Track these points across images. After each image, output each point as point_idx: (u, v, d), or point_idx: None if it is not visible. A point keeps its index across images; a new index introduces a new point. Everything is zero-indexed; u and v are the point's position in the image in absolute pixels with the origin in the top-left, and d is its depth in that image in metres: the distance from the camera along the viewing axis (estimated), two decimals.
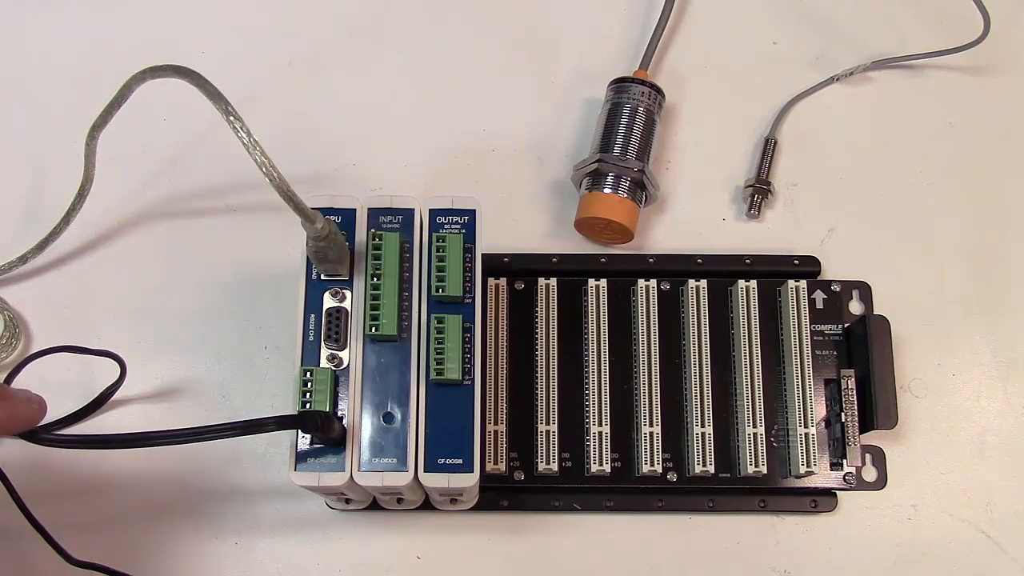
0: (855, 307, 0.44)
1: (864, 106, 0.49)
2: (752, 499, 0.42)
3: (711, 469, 0.41)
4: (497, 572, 0.42)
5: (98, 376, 0.43)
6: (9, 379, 0.31)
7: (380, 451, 0.34)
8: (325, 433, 0.33)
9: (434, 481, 0.34)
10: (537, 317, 0.43)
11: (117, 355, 0.42)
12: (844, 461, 0.41)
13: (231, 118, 0.29)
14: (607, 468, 0.40)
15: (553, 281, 0.43)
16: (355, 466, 0.33)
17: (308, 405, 0.34)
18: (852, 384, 0.42)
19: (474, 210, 0.37)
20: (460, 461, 0.34)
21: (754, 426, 0.41)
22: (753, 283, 0.43)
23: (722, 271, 0.44)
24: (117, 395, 0.42)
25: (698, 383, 0.42)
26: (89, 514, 0.42)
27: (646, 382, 0.42)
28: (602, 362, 0.42)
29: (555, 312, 0.43)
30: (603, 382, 0.42)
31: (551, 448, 0.41)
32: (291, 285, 0.36)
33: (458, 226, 0.36)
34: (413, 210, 0.36)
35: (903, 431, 0.43)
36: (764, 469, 0.41)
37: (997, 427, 0.44)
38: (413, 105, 0.49)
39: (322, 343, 0.35)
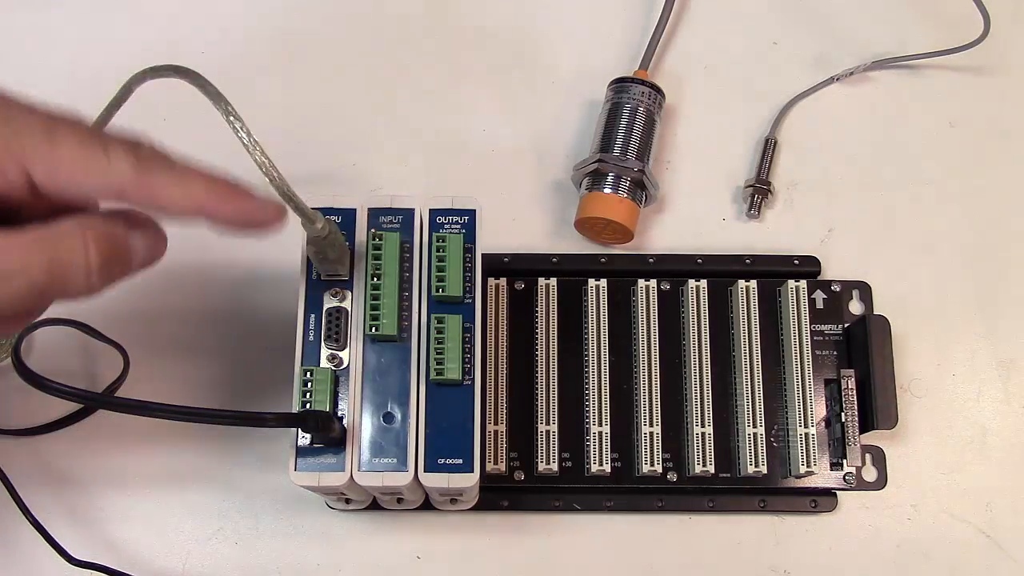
0: (855, 307, 0.44)
1: (864, 106, 0.49)
2: (752, 499, 0.42)
3: (711, 469, 0.41)
4: (497, 572, 0.42)
5: (100, 373, 0.43)
6: (17, 346, 0.31)
7: (380, 451, 0.34)
8: (325, 433, 0.33)
9: (434, 481, 0.34)
10: (537, 317, 0.43)
11: (120, 345, 0.42)
12: (844, 461, 0.41)
13: (231, 118, 0.29)
14: (607, 468, 0.40)
15: (553, 281, 0.43)
16: (355, 466, 0.33)
17: (308, 405, 0.34)
18: (852, 384, 0.42)
19: (474, 210, 0.37)
20: (460, 461, 0.34)
21: (754, 426, 0.41)
22: (753, 283, 0.43)
23: (722, 271, 0.44)
24: (117, 394, 0.42)
25: (698, 383, 0.42)
26: (89, 514, 0.42)
27: (646, 382, 0.42)
28: (602, 362, 0.42)
29: (555, 312, 0.43)
30: (603, 382, 0.42)
31: (551, 448, 0.41)
32: (291, 285, 0.36)
33: (458, 226, 0.36)
34: (413, 210, 0.36)
35: (903, 431, 0.43)
36: (764, 469, 0.41)
37: (997, 427, 0.44)
38: (413, 105, 0.49)
39: (322, 343, 0.35)
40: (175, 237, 0.46)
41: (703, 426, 0.41)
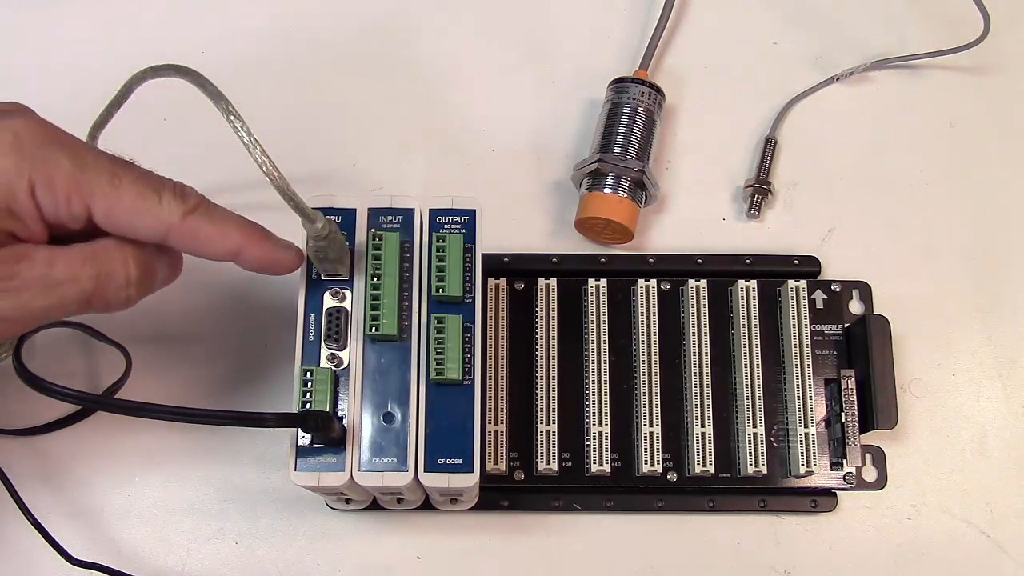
0: (855, 307, 0.44)
1: (864, 106, 0.49)
2: (752, 499, 0.42)
3: (711, 469, 0.41)
4: (497, 572, 0.42)
5: (102, 373, 0.43)
6: (18, 347, 0.32)
7: (380, 451, 0.34)
8: (325, 433, 0.33)
9: (434, 481, 0.34)
10: (537, 317, 0.43)
11: (122, 345, 0.42)
12: (844, 461, 0.41)
13: (231, 118, 0.29)
14: (607, 468, 0.40)
15: (553, 281, 0.43)
16: (355, 466, 0.33)
17: (308, 405, 0.34)
18: (852, 384, 0.42)
19: (474, 210, 0.37)
20: (460, 461, 0.34)
21: (754, 426, 0.41)
22: (753, 283, 0.43)
23: (722, 271, 0.44)
24: (118, 395, 0.42)
25: (698, 383, 0.42)
26: (89, 514, 0.42)
27: (646, 382, 0.42)
28: (602, 362, 0.42)
29: (555, 312, 0.43)
30: (603, 382, 0.42)
31: (551, 448, 0.41)
32: (291, 285, 0.36)
33: (458, 226, 0.36)
34: (413, 210, 0.36)
35: (903, 431, 0.43)
36: (764, 469, 0.41)
37: (997, 427, 0.44)
38: (413, 105, 0.49)
39: (322, 343, 0.35)
40: None
41: (703, 426, 0.41)
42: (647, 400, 0.41)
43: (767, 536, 0.42)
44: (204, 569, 0.42)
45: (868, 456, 0.42)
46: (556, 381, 0.42)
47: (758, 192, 0.46)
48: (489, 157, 0.48)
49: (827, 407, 0.42)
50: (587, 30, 0.51)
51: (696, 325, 0.43)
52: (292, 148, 0.47)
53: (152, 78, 0.32)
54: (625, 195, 0.44)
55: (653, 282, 0.43)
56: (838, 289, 0.44)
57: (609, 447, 0.41)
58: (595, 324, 0.42)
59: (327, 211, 0.36)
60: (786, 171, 0.48)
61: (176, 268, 0.34)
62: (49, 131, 0.31)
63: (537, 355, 0.42)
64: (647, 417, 0.41)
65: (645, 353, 0.42)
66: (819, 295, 0.44)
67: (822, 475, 0.42)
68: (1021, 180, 0.48)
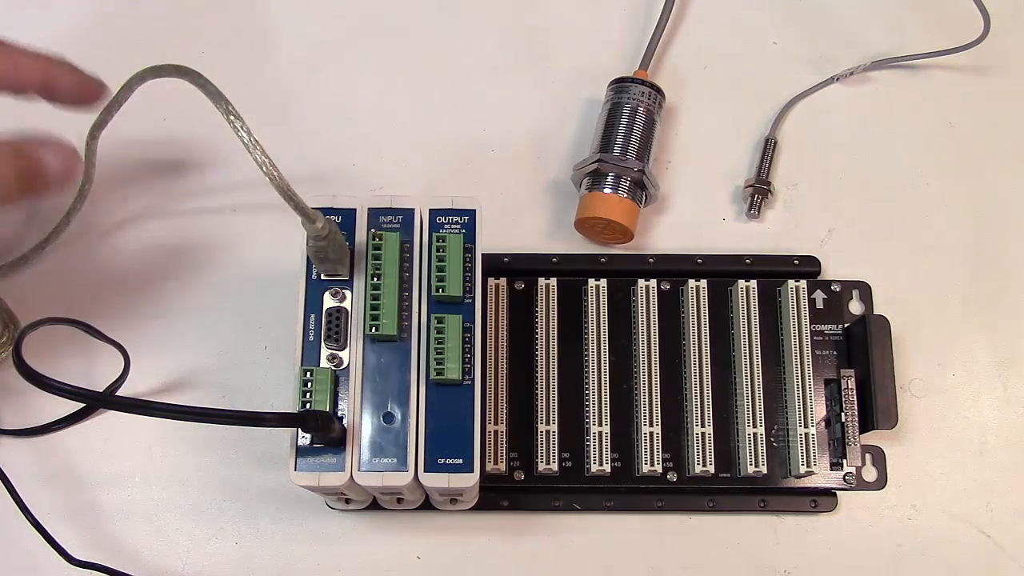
0: (855, 307, 0.44)
1: (864, 106, 0.49)
2: (752, 499, 0.42)
3: (711, 469, 0.41)
4: (497, 572, 0.42)
5: (100, 373, 0.43)
6: (18, 344, 0.32)
7: (380, 451, 0.34)
8: (325, 433, 0.33)
9: (434, 481, 0.34)
10: (537, 317, 0.43)
11: (121, 345, 0.42)
12: (844, 461, 0.41)
13: (231, 118, 0.29)
14: (607, 468, 0.40)
15: (553, 281, 0.43)
16: (355, 466, 0.33)
17: (308, 405, 0.34)
18: (852, 384, 0.42)
19: (474, 210, 0.37)
20: (460, 461, 0.34)
21: (754, 426, 0.41)
22: (753, 283, 0.43)
23: (722, 271, 0.44)
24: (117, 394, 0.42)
25: (698, 383, 0.42)
26: (89, 514, 0.42)
27: (646, 382, 0.42)
28: (602, 362, 0.42)
29: (555, 312, 0.43)
30: (603, 382, 0.42)
31: (551, 448, 0.41)
32: (291, 285, 0.36)
33: (458, 226, 0.36)
34: (413, 210, 0.36)
35: (903, 431, 0.43)
36: (764, 469, 0.41)
37: (997, 427, 0.44)
38: (413, 105, 0.49)
39: (322, 343, 0.35)
40: (175, 237, 0.46)
41: (703, 426, 0.41)
42: (647, 400, 0.41)
43: (767, 536, 0.42)
44: (204, 569, 0.42)
45: (868, 456, 0.42)
46: (556, 381, 0.42)
47: (758, 192, 0.46)
48: (489, 157, 0.48)
49: (827, 407, 0.42)
50: (587, 30, 0.51)
51: (696, 325, 0.43)
52: (292, 148, 0.47)
53: (152, 78, 0.32)
54: (625, 195, 0.44)
55: (653, 282, 0.43)
56: (838, 289, 0.44)
57: (609, 447, 0.41)
58: (595, 324, 0.42)
59: (327, 211, 0.36)
60: (786, 171, 0.48)
61: (70, 159, 0.36)
62: None
63: (537, 355, 0.42)
64: (647, 417, 0.41)
65: (645, 353, 0.42)
66: (819, 295, 0.44)
67: (822, 475, 0.42)
68: (1021, 180, 0.48)
